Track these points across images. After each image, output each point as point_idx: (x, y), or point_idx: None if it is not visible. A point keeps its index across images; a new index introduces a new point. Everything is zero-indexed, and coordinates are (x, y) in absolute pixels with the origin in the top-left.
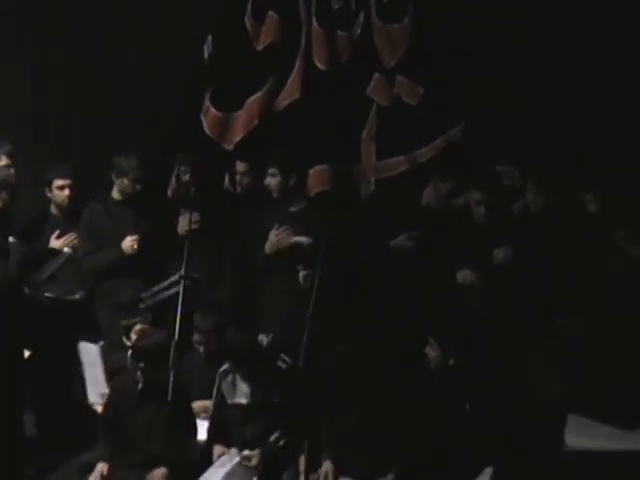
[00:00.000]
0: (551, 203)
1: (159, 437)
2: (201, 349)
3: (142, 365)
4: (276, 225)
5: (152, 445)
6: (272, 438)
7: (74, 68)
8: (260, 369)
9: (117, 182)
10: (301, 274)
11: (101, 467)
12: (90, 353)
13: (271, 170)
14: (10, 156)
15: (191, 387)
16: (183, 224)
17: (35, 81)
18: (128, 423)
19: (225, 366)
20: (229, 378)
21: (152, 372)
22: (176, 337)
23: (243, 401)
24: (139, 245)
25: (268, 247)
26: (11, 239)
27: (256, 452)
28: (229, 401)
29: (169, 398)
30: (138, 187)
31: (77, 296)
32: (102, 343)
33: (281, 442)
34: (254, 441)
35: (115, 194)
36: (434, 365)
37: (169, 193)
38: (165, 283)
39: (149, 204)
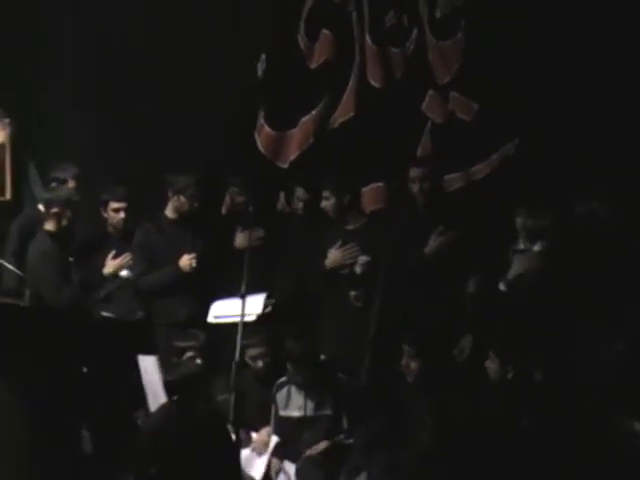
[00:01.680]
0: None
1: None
2: (258, 364)
3: (176, 398)
4: (339, 242)
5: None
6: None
7: (126, 90)
8: (318, 378)
9: (173, 200)
10: (352, 294)
11: None
12: (148, 364)
13: (325, 194)
14: (76, 179)
15: (245, 406)
16: (242, 239)
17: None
18: (167, 452)
19: (282, 379)
20: (284, 390)
21: (186, 403)
22: (237, 357)
23: (296, 414)
24: (197, 263)
25: (329, 263)
26: (71, 259)
27: (323, 444)
28: (281, 413)
29: (230, 419)
30: (195, 205)
31: (137, 316)
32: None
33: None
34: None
35: (169, 213)
36: (493, 378)
37: (223, 211)
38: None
39: (203, 222)
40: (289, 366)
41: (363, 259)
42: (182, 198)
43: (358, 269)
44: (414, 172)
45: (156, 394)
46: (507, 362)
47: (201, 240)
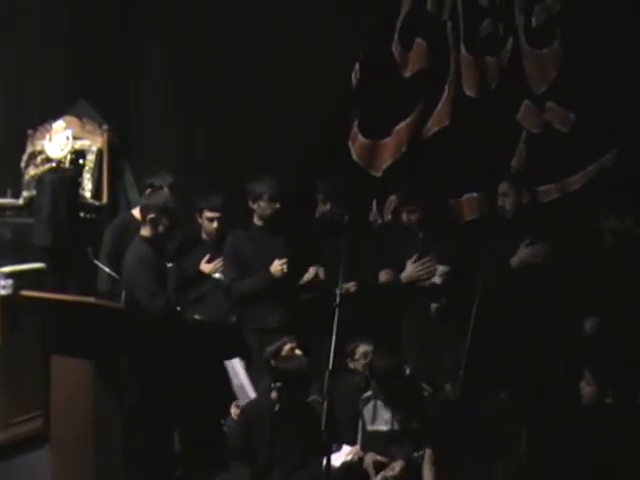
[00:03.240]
0: None
1: (295, 460)
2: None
3: (279, 385)
4: (415, 255)
5: (287, 467)
6: (416, 454)
7: (221, 98)
8: (403, 393)
9: (254, 207)
10: (432, 307)
11: None
12: (234, 367)
13: (409, 208)
14: (172, 188)
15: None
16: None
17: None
18: (263, 446)
19: (368, 393)
20: (370, 405)
21: (289, 394)
22: (330, 366)
23: (383, 428)
24: (288, 268)
25: (405, 278)
26: (169, 265)
27: (399, 463)
28: (369, 427)
29: (322, 428)
30: (277, 206)
31: (230, 320)
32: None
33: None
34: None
35: (256, 220)
36: (587, 402)
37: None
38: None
39: (293, 228)
40: (372, 382)
41: (442, 269)
42: (261, 204)
43: (437, 280)
44: (503, 187)
45: (247, 395)
46: (606, 387)
47: (291, 246)
